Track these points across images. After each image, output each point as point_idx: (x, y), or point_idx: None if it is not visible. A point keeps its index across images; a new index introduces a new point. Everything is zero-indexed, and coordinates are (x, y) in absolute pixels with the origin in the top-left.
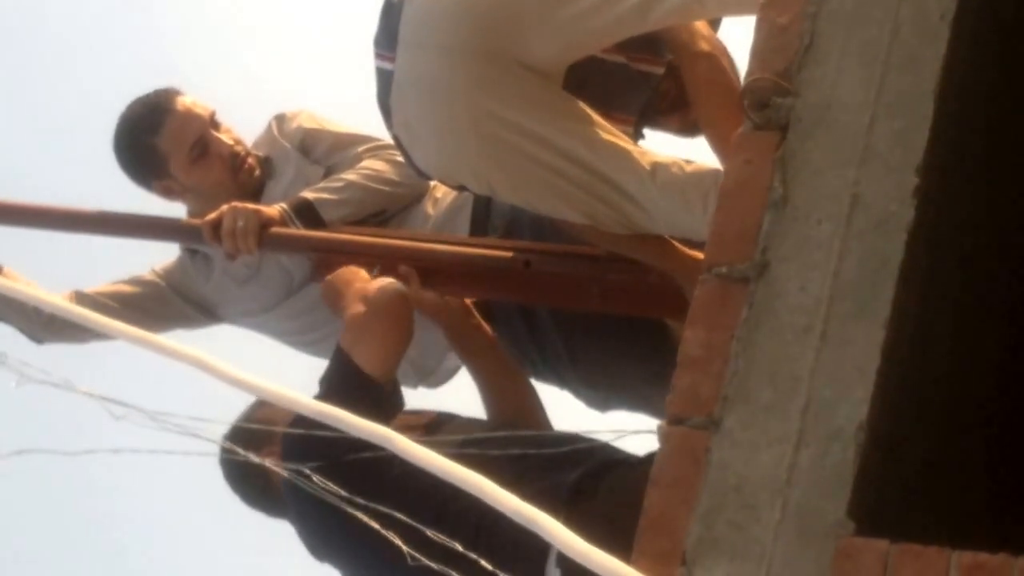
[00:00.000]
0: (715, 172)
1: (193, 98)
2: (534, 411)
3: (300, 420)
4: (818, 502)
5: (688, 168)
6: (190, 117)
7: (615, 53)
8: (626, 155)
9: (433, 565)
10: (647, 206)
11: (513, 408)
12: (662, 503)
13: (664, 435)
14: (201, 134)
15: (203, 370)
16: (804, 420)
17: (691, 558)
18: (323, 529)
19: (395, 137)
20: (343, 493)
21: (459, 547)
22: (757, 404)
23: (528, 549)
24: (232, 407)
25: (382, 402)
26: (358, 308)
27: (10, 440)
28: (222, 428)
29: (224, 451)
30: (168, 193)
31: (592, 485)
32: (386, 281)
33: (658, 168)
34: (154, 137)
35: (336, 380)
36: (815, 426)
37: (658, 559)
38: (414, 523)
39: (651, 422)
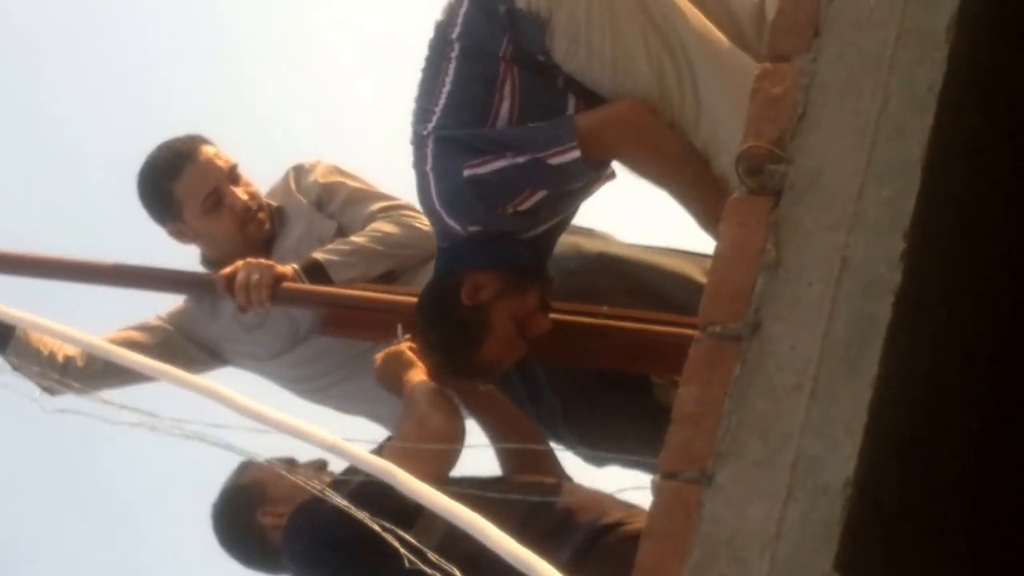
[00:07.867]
0: None
1: (217, 148)
2: (548, 462)
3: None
4: (805, 555)
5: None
6: (209, 168)
7: None
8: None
9: None
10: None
11: (524, 458)
12: (655, 555)
13: (658, 489)
14: (216, 186)
15: (240, 411)
16: (793, 475)
17: None
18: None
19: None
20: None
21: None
22: (748, 459)
23: None
24: None
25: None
26: (411, 426)
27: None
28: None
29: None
30: (179, 236)
31: (585, 549)
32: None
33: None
34: (172, 182)
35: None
36: (804, 481)
37: None
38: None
39: (645, 478)
